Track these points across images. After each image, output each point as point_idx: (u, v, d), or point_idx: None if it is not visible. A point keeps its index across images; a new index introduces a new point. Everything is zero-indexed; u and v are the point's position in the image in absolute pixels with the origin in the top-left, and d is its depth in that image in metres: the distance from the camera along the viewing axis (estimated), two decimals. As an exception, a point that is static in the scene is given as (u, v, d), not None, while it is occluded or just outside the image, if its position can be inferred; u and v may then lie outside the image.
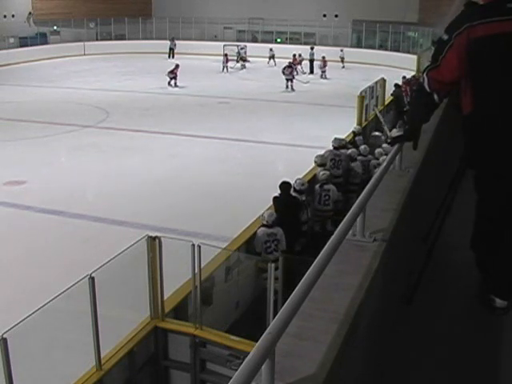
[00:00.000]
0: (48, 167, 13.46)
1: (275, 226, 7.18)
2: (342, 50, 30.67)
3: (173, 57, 33.25)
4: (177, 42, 34.58)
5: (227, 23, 36.79)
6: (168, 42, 34.49)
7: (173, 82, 24.39)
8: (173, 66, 24.62)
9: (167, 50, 34.13)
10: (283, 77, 24.05)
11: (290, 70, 24.26)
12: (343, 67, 29.99)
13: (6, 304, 7.11)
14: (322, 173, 9.02)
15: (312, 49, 29.02)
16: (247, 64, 30.96)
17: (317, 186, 8.97)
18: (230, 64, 29.41)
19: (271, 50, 31.74)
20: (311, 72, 27.66)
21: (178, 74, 24.39)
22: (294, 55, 27.76)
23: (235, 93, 23.29)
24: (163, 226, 9.51)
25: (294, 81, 24.13)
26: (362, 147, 10.74)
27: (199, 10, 36.98)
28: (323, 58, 26.95)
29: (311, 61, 28.30)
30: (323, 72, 26.89)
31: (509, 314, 2.92)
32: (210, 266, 6.38)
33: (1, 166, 13.29)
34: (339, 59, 30.11)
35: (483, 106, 2.69)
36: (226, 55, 29.62)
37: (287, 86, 23.91)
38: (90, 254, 8.33)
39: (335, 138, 10.55)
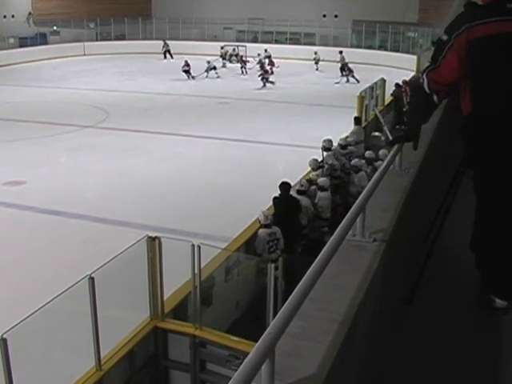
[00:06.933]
0: (48, 167, 13.47)
1: (273, 226, 7.20)
2: (341, 52, 29.70)
3: (171, 57, 33.18)
4: (177, 42, 34.49)
5: (227, 23, 36.76)
6: (161, 43, 33.98)
7: (190, 76, 25.81)
8: (182, 63, 26.12)
9: (162, 52, 33.65)
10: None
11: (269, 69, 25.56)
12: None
13: (6, 304, 7.10)
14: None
15: (341, 53, 27.46)
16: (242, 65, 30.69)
17: None
18: (228, 64, 29.58)
19: (266, 50, 31.13)
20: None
21: (190, 66, 25.87)
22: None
23: (235, 93, 23.29)
24: (163, 226, 9.50)
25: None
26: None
27: (199, 11, 36.97)
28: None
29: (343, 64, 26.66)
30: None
31: (509, 313, 2.92)
32: (210, 266, 6.39)
33: (1, 166, 13.29)
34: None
35: (483, 106, 2.69)
36: (242, 57, 29.74)
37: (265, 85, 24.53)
38: (90, 254, 8.32)
39: (327, 140, 10.43)
